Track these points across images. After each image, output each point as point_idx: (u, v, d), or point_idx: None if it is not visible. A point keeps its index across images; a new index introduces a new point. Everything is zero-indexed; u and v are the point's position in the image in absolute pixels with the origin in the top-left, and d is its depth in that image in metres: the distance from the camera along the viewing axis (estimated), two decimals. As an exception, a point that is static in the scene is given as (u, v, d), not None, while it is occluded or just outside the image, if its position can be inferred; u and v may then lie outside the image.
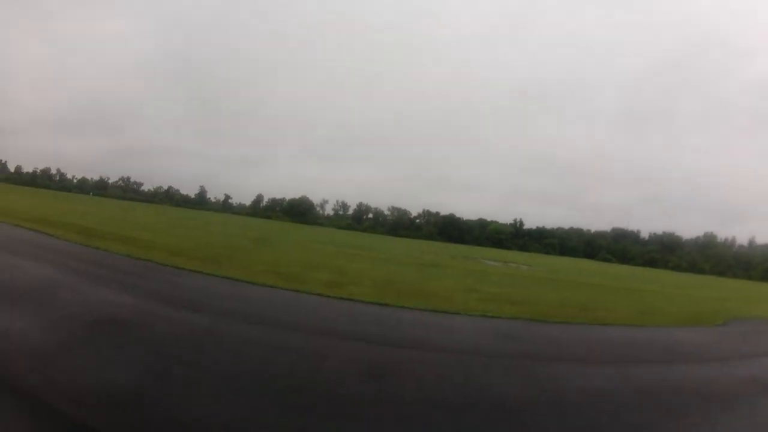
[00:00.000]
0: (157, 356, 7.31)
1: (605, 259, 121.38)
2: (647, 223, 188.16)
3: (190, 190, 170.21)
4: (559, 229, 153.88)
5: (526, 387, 8.01)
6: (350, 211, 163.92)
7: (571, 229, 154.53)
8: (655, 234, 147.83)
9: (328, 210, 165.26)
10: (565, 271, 45.33)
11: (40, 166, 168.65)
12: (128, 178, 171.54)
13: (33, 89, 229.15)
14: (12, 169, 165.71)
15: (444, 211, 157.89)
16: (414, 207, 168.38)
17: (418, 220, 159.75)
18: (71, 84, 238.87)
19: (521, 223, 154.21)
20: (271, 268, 18.67)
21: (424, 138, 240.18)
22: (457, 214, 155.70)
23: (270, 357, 8.12)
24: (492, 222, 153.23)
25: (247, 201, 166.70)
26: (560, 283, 30.38)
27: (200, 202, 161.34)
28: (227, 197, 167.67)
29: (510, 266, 44.05)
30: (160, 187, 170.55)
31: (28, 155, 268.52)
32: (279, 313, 11.87)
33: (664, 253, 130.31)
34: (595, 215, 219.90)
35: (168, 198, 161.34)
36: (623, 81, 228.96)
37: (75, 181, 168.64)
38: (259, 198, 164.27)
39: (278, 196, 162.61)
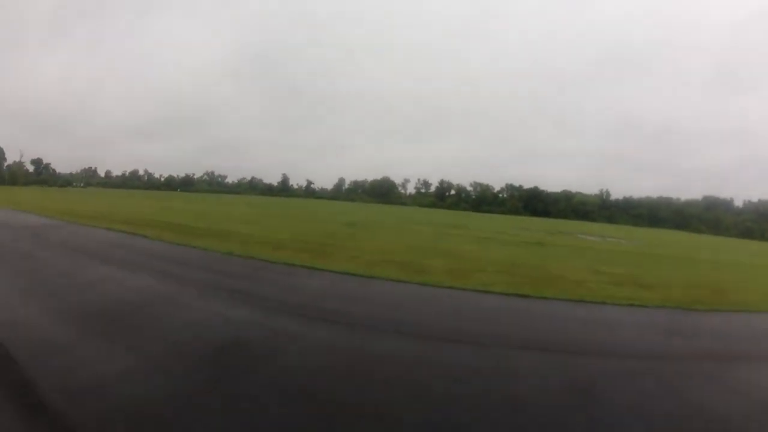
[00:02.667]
0: (315, 400, 5.32)
1: (697, 230, 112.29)
2: (741, 190, 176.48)
3: (273, 179, 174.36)
4: (647, 198, 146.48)
5: (736, 398, 6.38)
6: (432, 189, 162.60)
7: (660, 198, 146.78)
8: (750, 202, 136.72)
9: (410, 189, 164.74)
10: (666, 245, 41.46)
11: (129, 169, 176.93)
12: (212, 173, 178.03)
13: (118, 98, 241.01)
14: (102, 174, 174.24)
15: (527, 184, 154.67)
16: (496, 181, 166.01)
17: (501, 195, 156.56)
18: (154, 89, 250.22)
19: (608, 194, 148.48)
20: (382, 257, 16.69)
21: (504, 110, 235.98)
22: (541, 187, 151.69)
23: (455, 383, 6.12)
24: (577, 193, 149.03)
25: (329, 185, 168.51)
26: (670, 259, 26.97)
27: (283, 189, 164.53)
28: (309, 183, 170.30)
29: (609, 241, 40.60)
30: (244, 178, 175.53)
31: (117, 160, 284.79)
32: (426, 318, 9.48)
33: (760, 222, 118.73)
34: (685, 183, 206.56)
35: (252, 188, 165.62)
36: (713, 37, 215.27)
37: (162, 179, 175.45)
38: (341, 181, 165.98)
39: (359, 178, 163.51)
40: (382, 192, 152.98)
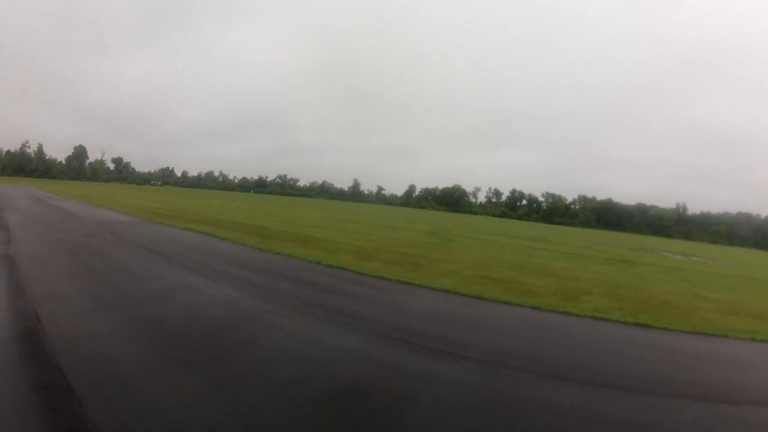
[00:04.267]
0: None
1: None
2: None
3: (344, 183, 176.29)
4: (725, 214, 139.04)
5: None
6: (503, 198, 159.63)
7: (739, 214, 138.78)
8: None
9: (481, 198, 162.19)
10: (754, 267, 38.11)
11: (204, 170, 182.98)
12: (285, 176, 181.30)
13: (196, 102, 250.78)
14: (179, 174, 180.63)
15: (600, 195, 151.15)
16: (569, 192, 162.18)
17: (573, 206, 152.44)
18: (231, 93, 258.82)
19: (684, 208, 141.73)
20: (478, 273, 15.22)
21: (578, 119, 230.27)
22: (615, 199, 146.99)
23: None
24: (652, 207, 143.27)
25: (399, 191, 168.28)
26: (764, 284, 24.38)
27: (354, 194, 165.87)
28: (380, 189, 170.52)
29: (694, 261, 37.38)
30: (315, 182, 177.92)
31: (193, 161, 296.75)
32: (559, 352, 7.82)
33: None
34: (766, 198, 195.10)
35: (323, 192, 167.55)
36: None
37: (236, 181, 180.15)
38: (412, 188, 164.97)
39: (430, 186, 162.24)
40: (453, 200, 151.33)
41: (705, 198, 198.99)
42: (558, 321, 10.21)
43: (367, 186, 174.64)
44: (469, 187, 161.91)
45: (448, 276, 14.01)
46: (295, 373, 5.64)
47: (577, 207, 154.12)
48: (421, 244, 24.27)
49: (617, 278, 18.33)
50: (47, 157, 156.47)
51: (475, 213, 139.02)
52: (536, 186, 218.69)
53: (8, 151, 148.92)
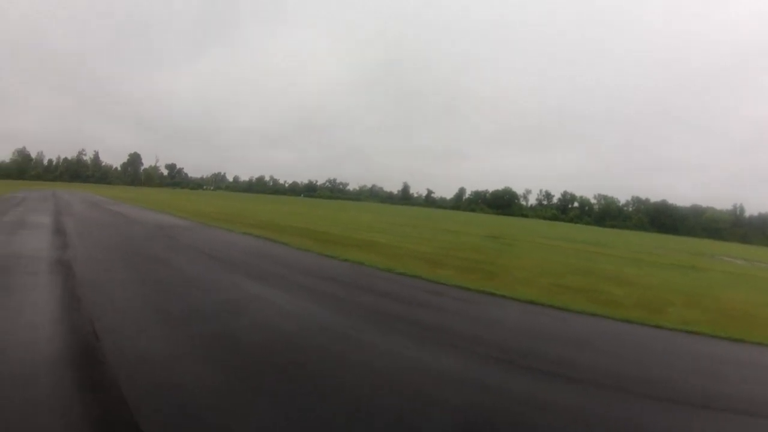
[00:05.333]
0: None
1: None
2: None
3: (393, 187, 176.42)
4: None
5: None
6: (554, 201, 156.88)
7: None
8: None
9: (532, 200, 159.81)
10: None
11: (255, 175, 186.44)
12: (334, 180, 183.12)
13: (248, 108, 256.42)
14: (230, 179, 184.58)
15: (654, 197, 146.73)
16: (621, 194, 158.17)
17: (626, 208, 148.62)
18: (282, 100, 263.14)
19: (742, 210, 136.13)
20: (554, 281, 14.34)
21: (630, 119, 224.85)
22: (669, 200, 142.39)
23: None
24: (708, 208, 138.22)
25: (449, 194, 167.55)
26: None
27: (404, 197, 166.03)
28: (430, 192, 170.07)
29: (758, 266, 35.18)
30: (365, 185, 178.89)
31: (244, 166, 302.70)
32: (667, 373, 6.90)
33: None
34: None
35: (373, 195, 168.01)
36: None
37: (286, 185, 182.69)
38: (461, 191, 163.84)
39: (480, 188, 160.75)
40: (504, 203, 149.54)
41: (763, 199, 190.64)
42: (654, 336, 9.36)
43: (417, 189, 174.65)
44: (519, 190, 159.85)
45: (525, 284, 13.11)
46: (399, 404, 4.74)
47: (631, 209, 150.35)
48: (485, 249, 23.40)
49: (689, 286, 17.30)
50: (103, 163, 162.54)
51: (526, 216, 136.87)
52: (587, 187, 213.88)
53: (65, 158, 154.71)
